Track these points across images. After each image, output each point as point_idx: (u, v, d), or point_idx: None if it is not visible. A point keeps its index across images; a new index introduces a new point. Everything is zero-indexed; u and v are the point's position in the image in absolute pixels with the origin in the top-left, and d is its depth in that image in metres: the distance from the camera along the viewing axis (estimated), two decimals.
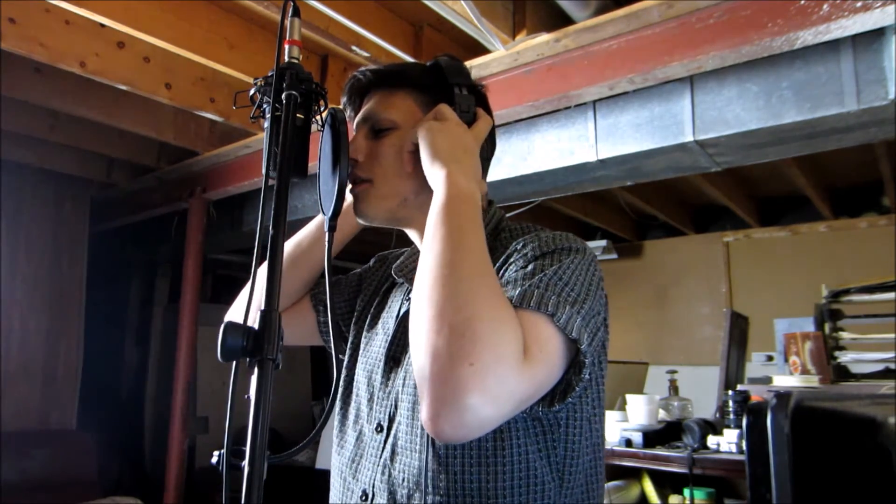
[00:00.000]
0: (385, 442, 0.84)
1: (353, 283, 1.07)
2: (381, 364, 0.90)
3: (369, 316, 1.00)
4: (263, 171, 0.76)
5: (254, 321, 0.65)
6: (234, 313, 1.08)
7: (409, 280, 0.96)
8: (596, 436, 0.83)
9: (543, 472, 0.77)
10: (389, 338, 0.91)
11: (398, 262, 0.99)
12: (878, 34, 1.55)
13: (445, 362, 0.61)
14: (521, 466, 0.76)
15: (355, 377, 0.95)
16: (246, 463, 0.59)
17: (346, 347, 1.04)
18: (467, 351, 0.61)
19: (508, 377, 0.62)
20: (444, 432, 0.62)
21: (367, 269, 1.09)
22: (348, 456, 0.90)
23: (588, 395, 0.81)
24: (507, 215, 0.95)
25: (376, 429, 0.87)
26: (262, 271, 1.04)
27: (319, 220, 1.04)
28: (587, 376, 0.71)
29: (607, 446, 2.47)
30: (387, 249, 1.10)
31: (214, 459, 0.64)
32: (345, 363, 1.00)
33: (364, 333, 0.99)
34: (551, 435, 0.78)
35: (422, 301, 0.67)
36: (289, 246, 1.03)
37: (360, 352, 0.97)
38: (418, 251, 0.97)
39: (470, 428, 0.62)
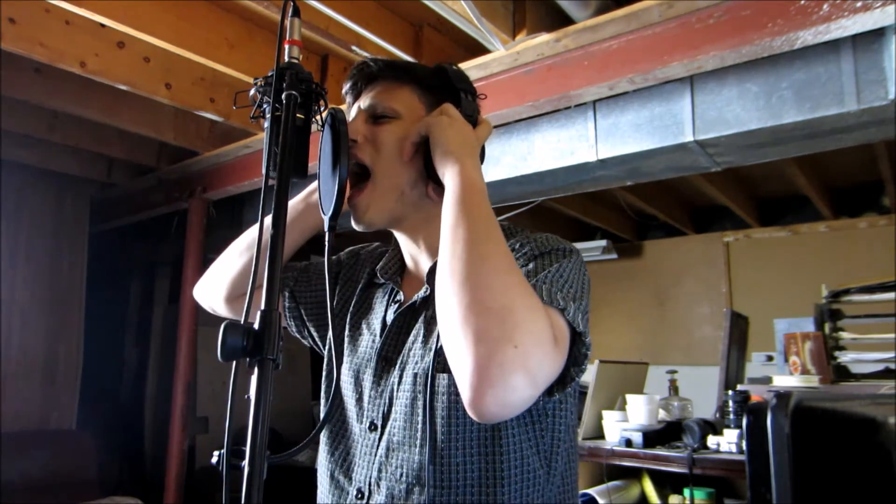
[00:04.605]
0: (379, 440, 0.86)
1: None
2: (372, 364, 0.91)
3: (349, 315, 1.01)
4: (263, 171, 0.76)
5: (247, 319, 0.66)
6: (202, 289, 1.11)
7: (395, 282, 0.97)
8: (572, 428, 0.87)
9: (534, 460, 0.80)
10: (379, 338, 0.92)
11: (381, 263, 1.00)
12: (878, 34, 1.55)
13: (490, 344, 0.63)
14: (516, 456, 0.79)
15: (341, 378, 0.96)
16: (246, 463, 0.60)
17: (316, 340, 1.06)
18: (510, 333, 0.64)
19: (545, 359, 0.66)
20: (488, 411, 0.64)
21: (341, 265, 1.09)
22: (338, 455, 0.91)
23: (570, 389, 0.84)
24: (507, 215, 0.97)
25: (369, 427, 0.88)
26: (234, 248, 1.06)
27: (292, 205, 1.04)
28: (585, 367, 0.75)
29: (607, 446, 2.47)
30: (385, 243, 1.10)
31: (214, 459, 0.64)
32: (325, 360, 1.01)
33: (346, 333, 0.99)
34: (539, 425, 0.82)
35: (454, 287, 0.69)
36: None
37: (345, 351, 0.98)
38: (400, 252, 0.99)
39: (512, 407, 0.66)
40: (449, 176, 0.79)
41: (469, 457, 0.78)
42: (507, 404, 0.64)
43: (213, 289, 1.09)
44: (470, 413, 0.65)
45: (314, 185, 0.99)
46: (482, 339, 0.64)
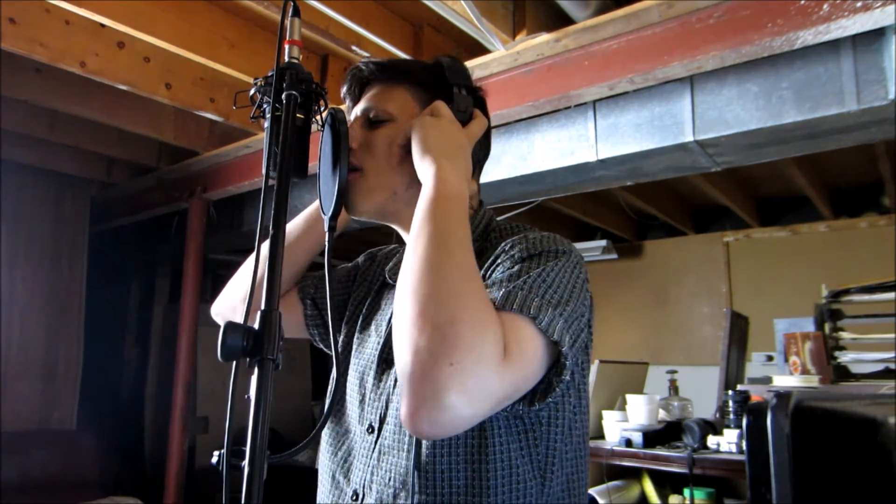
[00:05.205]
0: (375, 443, 0.85)
1: (343, 280, 1.07)
2: (374, 366, 0.90)
3: (361, 317, 1.00)
4: (263, 171, 0.76)
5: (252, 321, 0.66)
6: (221, 306, 1.08)
7: None
8: (578, 436, 0.83)
9: (525, 470, 0.78)
10: (382, 340, 0.92)
11: (391, 263, 1.00)
12: (878, 34, 1.55)
13: (426, 361, 0.62)
14: (504, 465, 0.77)
15: (347, 378, 0.96)
16: (246, 463, 0.59)
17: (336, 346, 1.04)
18: (448, 351, 0.62)
19: (487, 378, 0.63)
20: (422, 429, 0.63)
21: (358, 268, 1.08)
22: (340, 456, 0.91)
23: (570, 395, 0.82)
24: (507, 215, 0.97)
25: (367, 430, 0.87)
26: (249, 265, 1.05)
27: (308, 213, 1.04)
28: (568, 377, 0.72)
29: (607, 446, 2.47)
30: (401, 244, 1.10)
31: (214, 459, 0.64)
32: (335, 365, 1.00)
33: (356, 335, 0.99)
34: (533, 434, 0.79)
35: (405, 299, 0.67)
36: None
37: (353, 353, 0.97)
38: None
39: (447, 426, 0.63)
40: (423, 178, 0.78)
41: (455, 464, 0.77)
42: (441, 423, 0.62)
43: (233, 306, 1.07)
44: (405, 427, 0.64)
45: None
46: (419, 354, 0.62)
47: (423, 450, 0.78)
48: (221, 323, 1.08)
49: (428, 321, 0.64)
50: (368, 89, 0.92)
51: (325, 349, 1.09)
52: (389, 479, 0.81)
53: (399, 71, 0.92)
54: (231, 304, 1.07)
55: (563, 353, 0.70)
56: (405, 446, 0.80)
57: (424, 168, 0.79)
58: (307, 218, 1.04)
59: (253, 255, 1.06)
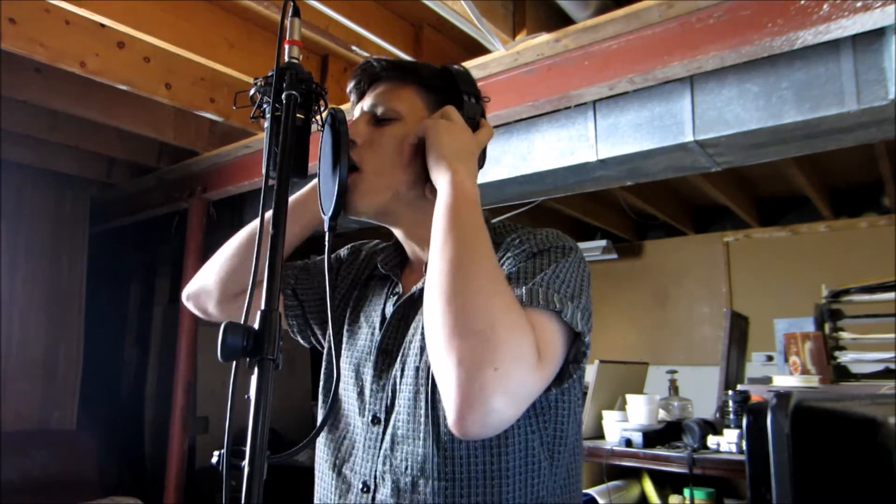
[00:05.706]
0: (384, 433, 0.85)
1: (324, 272, 1.06)
2: (372, 357, 0.91)
3: (349, 310, 1.00)
4: (263, 171, 0.76)
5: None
6: (192, 288, 1.07)
7: (395, 274, 0.97)
8: (577, 420, 0.87)
9: (539, 451, 0.81)
10: (378, 331, 0.92)
11: (383, 255, 1.00)
12: (878, 34, 1.55)
13: (471, 368, 0.64)
14: (521, 447, 0.80)
15: (340, 371, 0.96)
16: (246, 463, 0.59)
17: (319, 339, 1.06)
18: (490, 357, 0.64)
19: (527, 378, 0.66)
20: (471, 432, 0.66)
21: (341, 261, 1.08)
22: (342, 450, 0.91)
23: (575, 381, 0.84)
24: (507, 215, 0.97)
25: (372, 421, 0.88)
26: (225, 250, 1.04)
27: (294, 199, 1.03)
28: (584, 365, 0.77)
29: (607, 446, 2.47)
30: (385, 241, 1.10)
31: (214, 459, 0.64)
32: (324, 358, 1.00)
33: (346, 328, 0.99)
34: (543, 417, 0.82)
35: (440, 307, 0.69)
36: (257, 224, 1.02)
37: (343, 346, 0.98)
38: (401, 245, 0.99)
39: (494, 427, 0.67)
40: (440, 183, 0.79)
41: (473, 450, 0.79)
42: (489, 425, 0.65)
43: (205, 291, 1.06)
44: (453, 431, 0.66)
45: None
46: (463, 362, 0.65)
47: (442, 437, 0.79)
48: (192, 308, 1.09)
49: (467, 329, 0.66)
50: (376, 86, 0.92)
51: (301, 341, 1.08)
52: (406, 468, 0.81)
53: (409, 71, 0.92)
54: (204, 285, 1.05)
55: (586, 343, 0.75)
56: (421, 434, 0.81)
57: (440, 172, 0.80)
58: (294, 203, 1.03)
59: (231, 240, 1.05)
